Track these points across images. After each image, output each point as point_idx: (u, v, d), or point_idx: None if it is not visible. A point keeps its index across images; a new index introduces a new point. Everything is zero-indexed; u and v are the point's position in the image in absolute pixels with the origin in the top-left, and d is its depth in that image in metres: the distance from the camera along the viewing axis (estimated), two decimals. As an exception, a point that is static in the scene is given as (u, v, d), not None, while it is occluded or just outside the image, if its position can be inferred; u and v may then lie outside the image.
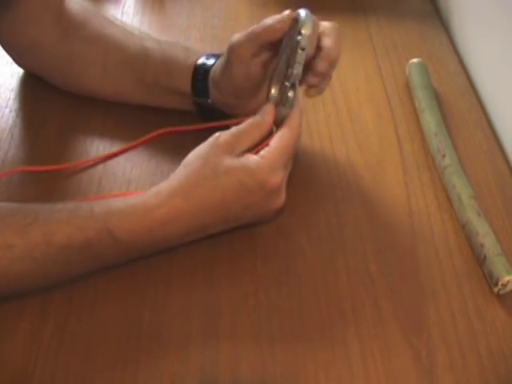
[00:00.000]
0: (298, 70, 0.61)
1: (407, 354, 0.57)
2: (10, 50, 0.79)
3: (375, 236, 0.67)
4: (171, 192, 0.58)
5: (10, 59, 0.81)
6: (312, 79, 0.64)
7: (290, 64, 0.61)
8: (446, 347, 0.58)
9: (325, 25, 0.64)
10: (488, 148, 0.77)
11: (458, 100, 0.84)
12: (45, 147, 0.74)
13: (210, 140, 0.61)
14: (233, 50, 0.65)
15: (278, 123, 0.63)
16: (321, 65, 0.62)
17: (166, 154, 0.74)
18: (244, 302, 0.60)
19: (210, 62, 0.70)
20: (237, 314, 0.59)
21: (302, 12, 0.61)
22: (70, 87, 0.79)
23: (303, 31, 0.60)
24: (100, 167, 0.72)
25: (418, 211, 0.69)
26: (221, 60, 0.68)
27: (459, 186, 0.69)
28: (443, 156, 0.72)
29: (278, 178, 0.59)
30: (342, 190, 0.71)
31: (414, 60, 0.85)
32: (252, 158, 0.59)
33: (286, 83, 0.62)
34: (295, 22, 0.62)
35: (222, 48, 0.69)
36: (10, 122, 0.77)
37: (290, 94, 0.62)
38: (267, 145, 0.61)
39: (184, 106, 0.75)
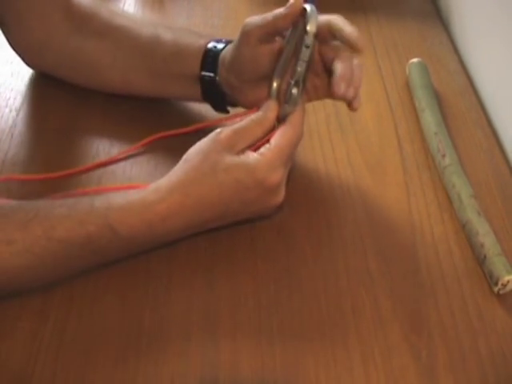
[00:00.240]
0: (301, 67, 0.61)
1: (407, 353, 0.57)
2: (19, 50, 0.79)
3: (375, 235, 0.67)
4: (170, 187, 0.58)
5: (10, 58, 0.82)
6: (338, 82, 0.61)
7: (296, 61, 0.61)
8: (446, 347, 0.58)
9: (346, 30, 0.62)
10: (488, 147, 0.77)
11: (458, 100, 0.84)
12: (44, 147, 0.74)
13: (211, 135, 0.61)
14: (243, 31, 0.65)
15: (281, 120, 0.63)
16: (336, 87, 0.61)
17: (166, 152, 0.73)
18: (244, 301, 0.60)
19: (221, 45, 0.70)
20: (237, 314, 0.59)
21: (308, 7, 0.60)
22: (78, 79, 0.79)
23: (308, 28, 0.59)
24: (100, 166, 0.72)
25: (417, 211, 0.69)
26: (234, 41, 0.68)
27: (459, 186, 0.69)
28: (443, 156, 0.72)
29: (277, 176, 0.59)
30: (341, 190, 0.71)
31: (414, 60, 0.85)
32: (252, 156, 0.59)
33: (291, 80, 0.62)
34: (302, 16, 0.61)
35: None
36: (10, 121, 0.77)
37: (294, 91, 0.62)
38: (268, 141, 0.61)
39: (190, 94, 0.74)
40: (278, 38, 0.65)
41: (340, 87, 0.61)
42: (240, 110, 0.70)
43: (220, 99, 0.72)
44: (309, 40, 0.60)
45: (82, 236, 0.56)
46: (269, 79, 0.65)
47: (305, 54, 0.60)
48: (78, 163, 0.72)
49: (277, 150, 0.60)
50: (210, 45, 0.70)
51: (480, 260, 0.64)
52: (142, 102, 0.78)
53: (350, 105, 0.65)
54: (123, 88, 0.77)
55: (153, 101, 0.78)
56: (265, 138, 0.61)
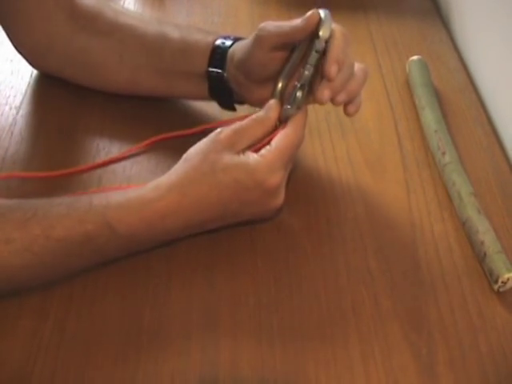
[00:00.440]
0: (309, 71, 0.61)
1: (407, 351, 0.57)
2: (23, 51, 0.79)
3: (375, 233, 0.67)
4: (170, 186, 0.58)
5: (9, 56, 0.81)
6: (324, 88, 0.61)
7: (304, 65, 0.62)
8: (446, 345, 0.58)
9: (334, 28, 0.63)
10: (488, 145, 0.77)
11: (458, 97, 0.84)
12: (44, 145, 0.74)
13: (212, 135, 0.61)
14: (259, 35, 0.64)
15: (282, 122, 0.62)
16: (328, 68, 0.60)
17: (166, 151, 0.73)
18: (244, 300, 0.60)
19: (229, 42, 0.70)
20: (237, 313, 0.59)
21: (323, 14, 0.61)
22: (83, 80, 0.78)
23: (321, 33, 0.60)
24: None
25: (417, 209, 0.69)
26: (247, 40, 0.68)
27: (459, 184, 0.69)
28: (443, 153, 0.72)
29: (277, 178, 0.59)
30: (341, 188, 0.71)
31: (414, 57, 0.85)
32: (252, 157, 0.59)
33: (296, 83, 0.62)
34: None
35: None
36: (10, 119, 0.77)
37: (299, 94, 0.62)
38: (269, 142, 0.60)
39: (197, 91, 0.73)
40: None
41: (323, 93, 0.61)
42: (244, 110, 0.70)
43: (227, 96, 0.72)
44: (319, 45, 0.60)
45: (80, 234, 0.56)
46: (275, 80, 0.66)
47: (314, 58, 0.61)
48: (78, 161, 0.72)
49: (277, 151, 0.59)
50: (218, 41, 0.70)
51: (480, 258, 0.64)
52: (142, 101, 0.78)
53: (345, 109, 0.65)
54: (129, 87, 0.77)
55: (156, 100, 0.78)
56: (266, 139, 0.61)
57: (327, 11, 0.61)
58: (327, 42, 0.60)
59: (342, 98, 0.63)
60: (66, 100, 0.79)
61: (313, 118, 0.78)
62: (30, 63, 0.81)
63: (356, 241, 0.66)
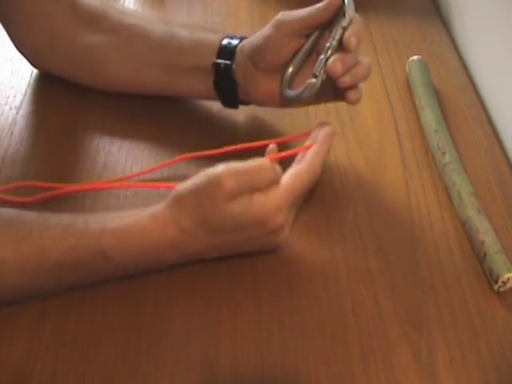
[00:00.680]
0: (331, 44, 0.63)
1: (407, 351, 0.57)
2: (25, 50, 0.79)
3: (375, 233, 0.67)
4: (167, 221, 0.56)
5: (9, 56, 0.81)
6: (338, 60, 0.62)
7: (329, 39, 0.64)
8: (446, 345, 0.58)
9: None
10: (488, 145, 0.77)
11: (458, 97, 0.84)
12: (44, 144, 0.74)
13: (210, 180, 0.55)
14: (279, 20, 0.66)
15: (285, 104, 0.68)
16: (348, 39, 0.62)
17: (165, 152, 0.73)
18: (244, 300, 0.60)
19: (235, 41, 0.71)
20: (237, 313, 0.59)
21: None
22: (86, 80, 0.78)
23: (347, 12, 0.63)
24: (100, 164, 0.72)
25: (418, 208, 0.69)
26: (263, 28, 0.68)
27: (459, 183, 0.69)
28: (443, 153, 0.72)
29: (281, 218, 0.57)
30: (341, 187, 0.71)
31: (414, 57, 0.85)
32: (256, 197, 0.55)
33: (322, 56, 0.63)
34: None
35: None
36: (10, 119, 0.77)
37: (313, 80, 0.64)
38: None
39: (202, 86, 0.73)
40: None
41: (336, 64, 0.62)
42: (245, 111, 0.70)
43: (232, 90, 0.72)
44: (345, 22, 0.63)
45: (74, 260, 0.55)
46: (283, 68, 0.68)
47: (338, 33, 0.63)
48: (78, 161, 0.72)
49: (286, 193, 0.56)
50: (225, 41, 0.71)
51: (480, 258, 0.64)
52: (142, 100, 0.78)
53: (347, 96, 0.66)
54: (132, 85, 0.77)
55: (157, 99, 0.78)
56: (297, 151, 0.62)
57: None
58: (350, 23, 0.63)
59: (347, 79, 0.63)
60: (66, 100, 0.79)
61: (313, 118, 0.78)
62: (31, 62, 0.81)
63: (356, 241, 0.66)
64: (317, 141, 0.62)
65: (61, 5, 0.75)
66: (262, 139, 0.66)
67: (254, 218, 0.56)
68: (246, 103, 0.74)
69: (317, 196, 0.70)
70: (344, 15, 0.63)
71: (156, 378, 0.55)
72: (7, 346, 0.56)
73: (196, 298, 0.60)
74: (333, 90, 0.67)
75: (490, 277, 0.63)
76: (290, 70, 0.67)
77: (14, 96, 0.80)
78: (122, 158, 0.73)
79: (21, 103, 0.79)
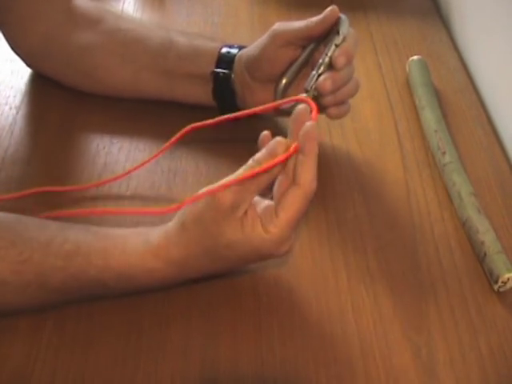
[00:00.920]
0: (323, 60, 0.64)
1: (407, 351, 0.57)
2: (20, 51, 0.79)
3: (375, 233, 0.67)
4: (170, 259, 0.55)
5: (9, 56, 0.81)
6: (328, 78, 0.64)
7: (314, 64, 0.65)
8: (446, 345, 0.58)
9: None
10: (488, 145, 0.77)
11: (458, 97, 0.84)
12: (44, 144, 0.74)
13: (210, 202, 0.53)
14: (275, 30, 0.67)
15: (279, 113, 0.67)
16: (338, 57, 0.63)
17: (165, 152, 0.73)
18: (244, 299, 0.60)
19: (234, 50, 0.72)
20: (237, 312, 0.59)
21: (342, 16, 0.65)
22: (83, 82, 0.78)
23: (341, 30, 0.64)
24: (100, 165, 0.72)
25: (418, 208, 0.69)
26: (260, 38, 0.69)
27: (459, 184, 0.69)
28: (443, 153, 0.72)
29: (286, 248, 0.56)
30: (341, 187, 0.71)
31: (414, 57, 0.85)
32: (257, 232, 0.54)
33: (314, 72, 0.64)
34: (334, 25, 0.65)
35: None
36: (10, 119, 0.77)
37: (315, 79, 0.65)
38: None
39: (200, 93, 0.74)
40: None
41: (325, 82, 0.63)
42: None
43: (230, 99, 0.72)
44: (338, 40, 0.64)
45: (75, 287, 0.55)
46: (278, 80, 0.69)
47: (331, 49, 0.64)
48: (78, 161, 0.72)
49: (284, 224, 0.54)
50: (224, 50, 0.72)
51: (480, 258, 0.64)
52: (142, 101, 0.78)
53: (328, 111, 0.68)
54: (130, 89, 0.77)
55: (155, 102, 0.78)
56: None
57: (345, 16, 0.65)
58: (344, 41, 0.64)
59: (330, 98, 0.65)
60: (66, 99, 0.79)
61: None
62: (28, 65, 0.81)
63: (356, 241, 0.66)
64: (301, 149, 0.54)
65: (56, 7, 0.75)
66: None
67: (257, 251, 0.55)
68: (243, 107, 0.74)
69: (316, 196, 0.70)
70: (338, 32, 0.64)
71: (156, 378, 0.55)
72: (7, 346, 0.56)
73: (196, 298, 0.60)
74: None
75: (490, 277, 0.63)
76: (284, 81, 0.68)
77: (14, 96, 0.80)
78: (121, 158, 0.73)
79: (21, 103, 0.79)
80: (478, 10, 0.91)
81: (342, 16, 0.65)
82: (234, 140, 0.74)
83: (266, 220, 0.54)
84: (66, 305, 0.58)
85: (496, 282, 0.61)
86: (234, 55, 0.71)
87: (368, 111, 0.81)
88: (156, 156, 0.69)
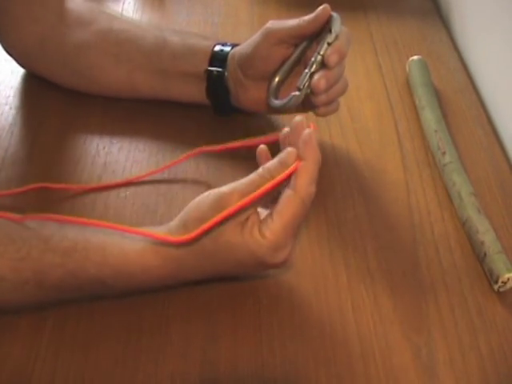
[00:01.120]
0: (316, 58, 0.64)
1: (407, 351, 0.57)
2: (14, 52, 0.79)
3: (375, 233, 0.67)
4: (168, 256, 0.55)
5: (10, 57, 0.81)
6: (321, 77, 0.64)
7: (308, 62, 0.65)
8: (446, 345, 0.58)
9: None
10: (488, 145, 0.77)
11: (458, 97, 0.84)
12: (44, 145, 0.74)
13: (214, 202, 0.54)
14: (267, 29, 0.67)
15: (271, 112, 0.69)
16: (330, 56, 0.63)
17: (166, 151, 0.73)
18: (244, 299, 0.60)
19: (227, 48, 0.72)
20: (237, 312, 0.59)
21: (334, 14, 0.65)
22: (79, 83, 0.78)
23: (333, 28, 0.64)
24: (100, 165, 0.72)
25: (418, 208, 0.69)
26: (253, 36, 0.69)
27: (459, 184, 0.69)
28: (443, 153, 0.72)
29: (283, 256, 0.55)
30: (341, 188, 0.71)
31: (414, 57, 0.85)
32: (254, 236, 0.53)
33: (306, 70, 0.64)
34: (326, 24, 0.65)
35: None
36: (10, 119, 0.77)
37: (297, 93, 0.65)
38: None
39: (195, 91, 0.74)
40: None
41: (319, 81, 0.63)
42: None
43: (224, 97, 0.73)
44: (330, 38, 0.64)
45: (73, 284, 0.55)
46: (270, 78, 0.69)
47: (323, 47, 0.64)
48: (78, 161, 0.72)
49: (280, 230, 0.53)
50: (217, 48, 0.72)
51: (480, 258, 0.64)
52: (142, 100, 0.78)
53: (318, 110, 0.68)
54: (125, 89, 0.77)
55: (155, 101, 0.78)
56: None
57: (338, 15, 0.65)
58: (336, 39, 0.64)
59: (323, 97, 0.65)
60: (66, 99, 0.79)
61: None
62: (22, 65, 0.81)
63: (356, 241, 0.66)
64: (301, 155, 0.54)
65: (49, 9, 0.75)
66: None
67: (253, 256, 0.54)
68: (238, 110, 0.74)
69: (317, 196, 0.70)
70: (330, 31, 0.64)
71: (156, 378, 0.55)
72: (7, 345, 0.56)
73: (196, 298, 0.60)
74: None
75: (490, 277, 0.63)
76: (277, 79, 0.69)
77: (14, 96, 0.80)
78: (122, 158, 0.73)
79: (21, 103, 0.79)
80: (478, 10, 0.91)
81: (334, 14, 0.65)
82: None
83: (263, 225, 0.54)
84: (66, 305, 0.58)
85: (496, 282, 0.61)
86: (227, 53, 0.71)
87: (368, 111, 0.81)
88: (157, 171, 0.70)
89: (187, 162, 0.71)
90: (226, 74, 0.71)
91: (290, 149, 0.55)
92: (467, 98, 0.84)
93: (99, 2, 0.96)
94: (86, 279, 0.55)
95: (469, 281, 0.63)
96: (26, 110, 0.78)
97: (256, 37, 0.68)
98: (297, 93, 0.64)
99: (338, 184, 0.72)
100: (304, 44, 0.68)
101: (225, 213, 0.52)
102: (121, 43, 0.74)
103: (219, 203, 0.53)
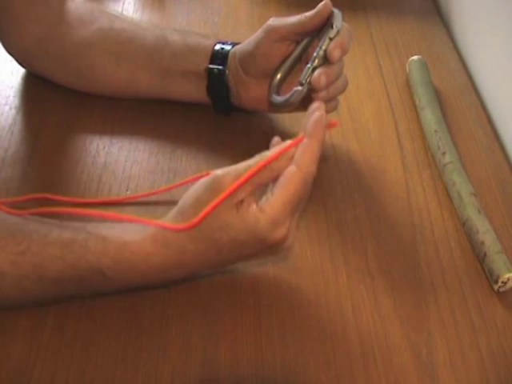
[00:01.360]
0: (317, 53, 0.64)
1: (407, 351, 0.57)
2: (15, 52, 0.79)
3: (375, 233, 0.67)
4: (167, 242, 0.54)
5: (10, 57, 0.81)
6: (321, 73, 0.63)
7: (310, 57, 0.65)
8: (446, 345, 0.58)
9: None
10: (488, 145, 0.77)
11: (458, 97, 0.84)
12: (45, 145, 0.74)
13: (209, 184, 0.54)
14: (268, 26, 0.67)
15: (272, 110, 0.69)
16: (332, 51, 0.63)
17: (166, 151, 0.73)
18: (244, 300, 0.60)
19: (228, 46, 0.72)
20: (237, 313, 0.59)
21: (335, 10, 0.65)
22: (79, 82, 0.78)
23: (335, 24, 0.64)
24: (100, 165, 0.72)
25: (418, 208, 0.69)
26: (255, 33, 0.69)
27: (459, 184, 0.69)
28: (443, 153, 0.72)
29: (281, 233, 0.54)
30: (342, 188, 0.71)
31: (415, 57, 0.85)
32: (252, 212, 0.53)
33: (308, 65, 0.64)
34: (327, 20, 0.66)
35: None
36: (10, 119, 0.77)
37: (299, 88, 0.64)
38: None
39: (196, 90, 0.74)
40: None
41: (320, 77, 0.63)
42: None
43: (224, 96, 0.73)
44: (332, 33, 0.64)
45: (73, 278, 0.55)
46: (272, 75, 0.69)
47: (325, 43, 0.64)
48: (78, 161, 0.72)
49: (279, 204, 0.53)
50: (218, 46, 0.72)
51: (480, 258, 0.64)
52: (142, 100, 0.78)
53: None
54: (126, 88, 0.77)
55: (155, 101, 0.78)
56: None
57: (339, 11, 0.66)
58: (338, 34, 0.64)
59: (324, 94, 0.65)
60: (66, 100, 0.79)
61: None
62: (22, 65, 0.81)
63: (356, 241, 0.66)
64: (306, 133, 0.55)
65: (50, 9, 0.75)
66: (261, 138, 0.66)
67: (252, 234, 0.54)
68: (239, 108, 0.74)
69: (317, 196, 0.70)
70: (332, 26, 0.64)
71: (156, 378, 0.55)
72: (7, 345, 0.56)
73: (196, 298, 0.60)
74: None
75: (490, 277, 0.63)
76: (278, 76, 0.69)
77: (15, 96, 0.80)
78: (121, 158, 0.73)
79: (21, 103, 0.79)
80: (478, 10, 0.91)
81: (335, 10, 0.65)
82: (234, 140, 0.74)
83: (262, 201, 0.54)
84: (66, 304, 0.59)
85: (496, 282, 0.61)
86: (228, 51, 0.72)
87: (368, 111, 0.81)
88: (159, 192, 0.68)
89: (187, 163, 0.71)
90: (227, 72, 0.71)
91: (287, 141, 0.55)
92: (467, 98, 0.84)
93: (100, 1, 0.96)
94: (86, 270, 0.54)
95: (469, 281, 0.63)
96: (26, 110, 0.78)
97: (258, 34, 0.68)
98: (299, 88, 0.64)
99: (338, 184, 0.72)
100: (306, 41, 0.68)
101: (225, 193, 0.52)
102: (122, 42, 0.75)
103: (214, 186, 0.53)
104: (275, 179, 0.54)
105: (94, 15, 0.77)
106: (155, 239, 0.55)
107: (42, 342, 0.56)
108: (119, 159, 0.73)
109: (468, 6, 0.94)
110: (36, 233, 0.55)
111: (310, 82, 0.64)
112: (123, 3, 0.97)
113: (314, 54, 0.64)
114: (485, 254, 0.63)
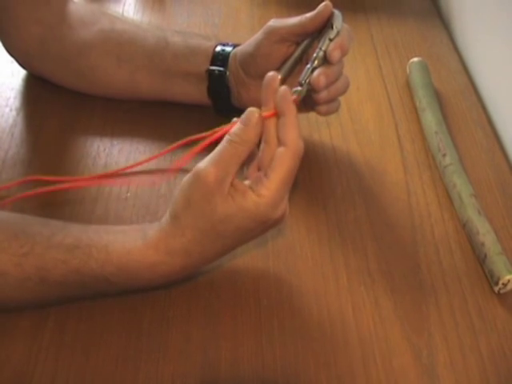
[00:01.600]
0: (317, 54, 0.64)
1: (408, 353, 0.57)
2: (16, 53, 0.79)
3: (375, 235, 0.67)
4: (171, 250, 0.55)
5: (10, 58, 0.81)
6: (320, 74, 0.63)
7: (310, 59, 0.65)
8: (446, 346, 0.58)
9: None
10: (488, 147, 0.77)
11: (459, 99, 0.84)
12: (45, 146, 0.74)
13: (193, 181, 0.54)
14: (269, 27, 0.67)
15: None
16: (332, 51, 0.63)
17: (161, 143, 0.73)
18: (245, 300, 0.60)
19: (228, 48, 0.72)
20: (237, 313, 0.59)
21: (336, 11, 0.65)
22: (80, 84, 0.78)
23: (335, 25, 0.64)
24: (101, 166, 0.72)
25: (418, 210, 0.69)
26: (255, 34, 0.70)
27: (460, 185, 0.69)
28: (444, 155, 0.72)
29: (281, 210, 0.55)
30: (342, 189, 0.71)
31: (415, 59, 0.85)
32: (249, 198, 0.53)
33: (308, 65, 0.64)
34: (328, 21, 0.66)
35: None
36: (11, 121, 0.77)
37: (299, 88, 0.63)
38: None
39: (197, 91, 0.74)
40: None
41: (319, 78, 0.62)
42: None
43: (225, 97, 0.73)
44: (332, 34, 0.64)
45: (76, 281, 0.55)
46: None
47: (325, 44, 0.64)
48: (79, 163, 0.72)
49: (276, 185, 0.54)
50: (218, 48, 0.72)
51: (480, 259, 0.64)
52: (143, 102, 0.78)
53: (318, 108, 0.68)
54: (127, 90, 0.77)
55: (155, 102, 0.78)
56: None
57: (339, 12, 0.65)
58: (338, 35, 0.64)
59: (324, 95, 0.65)
60: (67, 101, 0.79)
61: (313, 120, 0.78)
62: (23, 67, 0.81)
63: (356, 242, 0.66)
64: (280, 112, 0.55)
65: (51, 10, 0.75)
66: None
67: (253, 219, 0.54)
68: (239, 109, 0.74)
69: (317, 197, 0.70)
70: (332, 27, 0.64)
71: (156, 379, 0.55)
72: (8, 347, 0.56)
73: (196, 298, 0.60)
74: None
75: (490, 278, 0.63)
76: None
77: (15, 98, 0.80)
78: (122, 159, 0.73)
79: (21, 105, 0.79)
80: (479, 12, 0.91)
81: (336, 11, 0.65)
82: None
83: (257, 186, 0.54)
84: (66, 304, 0.59)
85: (496, 283, 0.61)
86: (229, 53, 0.72)
87: (368, 113, 0.81)
88: (150, 159, 0.68)
89: (188, 164, 0.71)
90: (228, 73, 0.71)
91: (251, 108, 0.56)
92: (468, 100, 0.84)
93: (100, 3, 0.96)
94: (90, 276, 0.55)
95: (469, 282, 0.63)
96: (26, 111, 0.78)
97: (258, 35, 0.68)
98: (299, 88, 0.64)
99: (339, 185, 0.72)
100: (306, 42, 0.67)
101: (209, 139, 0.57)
102: (122, 44, 0.75)
103: (200, 180, 0.53)
104: (251, 154, 0.55)
105: (95, 16, 0.77)
106: (158, 248, 0.55)
107: (42, 343, 0.56)
108: (120, 161, 0.73)
109: (468, 7, 0.94)
110: (39, 235, 0.55)
111: (309, 83, 0.64)
112: (124, 5, 0.97)
113: (314, 55, 0.64)
114: (485, 256, 0.63)
